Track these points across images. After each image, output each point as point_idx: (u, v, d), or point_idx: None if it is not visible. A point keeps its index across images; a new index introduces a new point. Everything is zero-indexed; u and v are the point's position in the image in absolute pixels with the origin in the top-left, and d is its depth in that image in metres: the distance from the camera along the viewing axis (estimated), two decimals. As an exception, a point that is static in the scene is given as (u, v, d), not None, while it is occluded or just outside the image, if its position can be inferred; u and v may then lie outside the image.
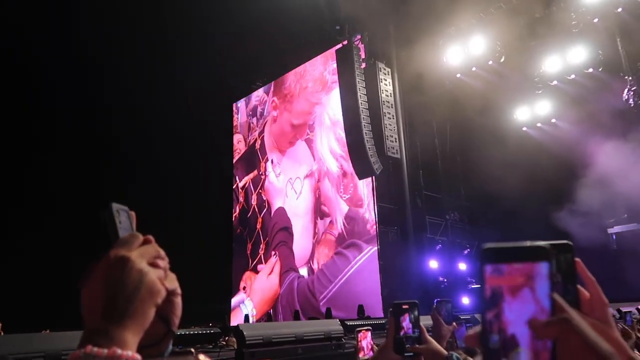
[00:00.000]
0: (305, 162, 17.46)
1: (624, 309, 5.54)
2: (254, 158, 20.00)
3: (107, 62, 15.49)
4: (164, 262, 0.74)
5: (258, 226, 19.45)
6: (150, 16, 14.60)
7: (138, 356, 0.64)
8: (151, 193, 15.41)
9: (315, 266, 15.70)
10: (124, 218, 0.77)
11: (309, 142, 17.21)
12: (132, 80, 15.43)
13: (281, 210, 18.52)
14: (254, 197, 19.62)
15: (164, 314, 0.74)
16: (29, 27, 13.84)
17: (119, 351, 0.62)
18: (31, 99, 14.82)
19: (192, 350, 2.22)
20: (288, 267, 17.04)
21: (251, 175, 19.99)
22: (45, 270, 13.16)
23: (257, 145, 20.11)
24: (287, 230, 17.86)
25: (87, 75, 15.37)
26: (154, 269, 0.72)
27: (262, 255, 18.48)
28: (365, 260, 13.85)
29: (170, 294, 0.74)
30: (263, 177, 19.26)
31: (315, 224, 16.22)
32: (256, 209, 19.55)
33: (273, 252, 17.81)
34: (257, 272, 18.28)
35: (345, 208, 15.03)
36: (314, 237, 16.16)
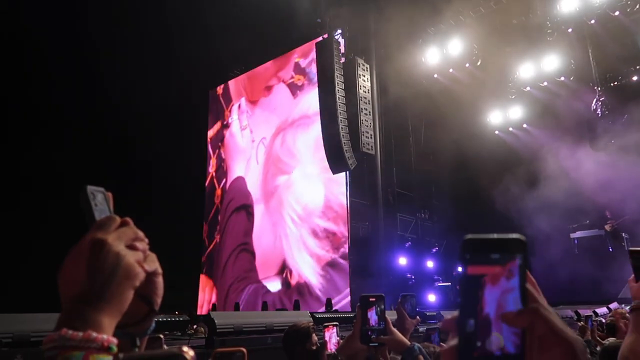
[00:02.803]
0: (283, 115, 15.38)
1: (583, 313, 5.78)
2: (217, 106, 17.63)
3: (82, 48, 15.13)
4: (142, 244, 0.73)
5: (216, 201, 17.30)
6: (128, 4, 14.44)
7: (113, 339, 0.64)
8: (120, 174, 15.12)
9: (294, 279, 14.17)
10: (100, 200, 0.75)
11: (294, 89, 15.20)
12: (105, 65, 15.08)
13: (240, 180, 16.38)
14: (213, 159, 17.45)
15: (146, 294, 0.74)
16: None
17: (94, 334, 0.62)
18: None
19: (161, 336, 2.19)
20: (243, 275, 15.11)
21: (214, 129, 17.70)
22: (17, 252, 12.88)
23: (220, 90, 17.96)
24: (247, 210, 15.70)
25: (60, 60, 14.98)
26: (131, 252, 0.71)
27: (217, 248, 16.42)
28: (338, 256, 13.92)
29: (151, 274, 0.74)
30: (225, 129, 16.93)
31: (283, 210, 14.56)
32: (214, 177, 17.35)
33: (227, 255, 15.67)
34: (211, 277, 16.19)
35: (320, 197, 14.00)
36: (285, 233, 14.68)
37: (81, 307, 0.65)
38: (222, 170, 17.43)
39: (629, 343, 1.41)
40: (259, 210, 15.80)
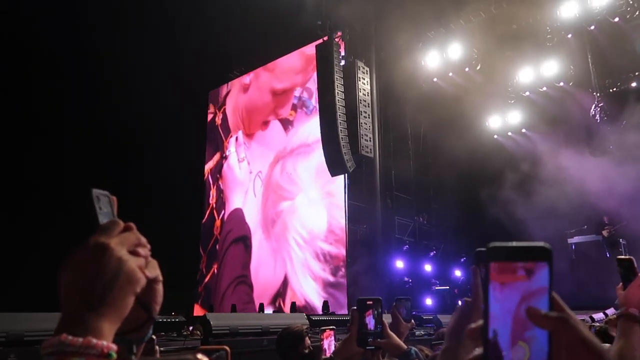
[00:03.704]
0: (280, 146, 15.71)
1: (580, 318, 5.78)
2: (215, 137, 17.83)
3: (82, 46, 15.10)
4: (144, 250, 0.73)
5: (215, 232, 17.53)
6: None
7: (113, 346, 0.64)
8: (120, 178, 15.11)
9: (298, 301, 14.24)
10: (104, 204, 0.75)
11: (286, 124, 15.62)
12: (106, 65, 15.06)
13: (238, 212, 16.55)
14: (213, 190, 17.76)
15: (145, 301, 0.73)
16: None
17: (94, 340, 0.62)
18: None
19: (154, 337, 2.18)
20: (241, 307, 15.02)
21: (214, 160, 18.04)
22: (14, 252, 12.85)
23: (218, 121, 18.15)
24: (244, 242, 15.86)
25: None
26: (134, 257, 0.70)
27: (215, 279, 16.41)
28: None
29: (152, 281, 0.73)
30: (224, 160, 17.18)
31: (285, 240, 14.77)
32: (214, 208, 17.61)
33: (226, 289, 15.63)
34: (205, 308, 15.80)
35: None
36: (290, 257, 14.78)
37: (81, 312, 0.64)
38: (221, 201, 17.71)
39: (617, 349, 1.42)
40: (256, 242, 16.02)
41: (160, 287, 0.76)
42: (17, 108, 14.61)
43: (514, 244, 0.57)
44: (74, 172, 13.53)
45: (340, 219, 13.97)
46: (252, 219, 16.27)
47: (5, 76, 14.03)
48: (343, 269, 13.66)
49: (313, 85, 14.98)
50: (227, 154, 17.64)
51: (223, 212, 17.44)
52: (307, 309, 13.67)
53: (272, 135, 16.48)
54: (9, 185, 13.94)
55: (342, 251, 13.78)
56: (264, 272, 15.51)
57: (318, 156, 13.90)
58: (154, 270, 0.74)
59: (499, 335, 0.55)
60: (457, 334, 1.12)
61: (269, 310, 14.56)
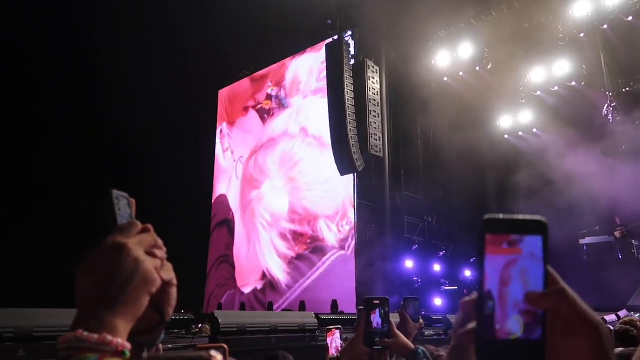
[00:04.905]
0: (256, 138, 16.86)
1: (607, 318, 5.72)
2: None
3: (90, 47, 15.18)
4: (161, 252, 0.74)
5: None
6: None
7: (127, 344, 0.64)
8: (126, 175, 15.19)
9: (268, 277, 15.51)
10: (123, 205, 0.76)
11: (262, 114, 16.68)
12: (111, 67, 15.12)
13: (222, 198, 17.73)
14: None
15: (158, 304, 0.74)
16: None
17: (109, 337, 0.63)
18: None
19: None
20: (223, 282, 16.60)
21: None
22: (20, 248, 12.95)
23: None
24: (227, 225, 17.08)
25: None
26: (150, 258, 0.71)
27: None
28: (340, 258, 13.92)
29: (166, 284, 0.74)
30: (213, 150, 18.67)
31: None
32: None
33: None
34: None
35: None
36: (258, 239, 15.89)
37: (97, 309, 0.65)
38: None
39: None
40: (238, 224, 17.27)
41: (174, 291, 0.77)
42: (19, 110, 14.67)
43: (510, 216, 0.56)
44: (78, 171, 13.66)
45: (303, 200, 15.13)
46: (235, 202, 17.52)
47: (11, 81, 14.13)
48: (352, 267, 13.65)
49: (290, 84, 16.52)
50: (215, 145, 18.89)
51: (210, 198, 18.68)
52: (273, 283, 15.19)
53: (252, 123, 17.73)
54: (18, 184, 14.05)
55: (306, 229, 14.81)
56: (243, 251, 16.76)
57: (282, 148, 16.05)
58: (169, 273, 0.75)
59: (493, 309, 0.54)
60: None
61: (251, 286, 15.86)
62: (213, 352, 0.68)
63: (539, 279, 0.55)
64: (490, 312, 0.54)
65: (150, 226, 0.75)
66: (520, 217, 0.56)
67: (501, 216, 0.56)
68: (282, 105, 16.83)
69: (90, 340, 0.62)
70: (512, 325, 0.54)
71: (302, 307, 13.07)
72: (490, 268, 0.55)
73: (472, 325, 0.56)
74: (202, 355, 0.66)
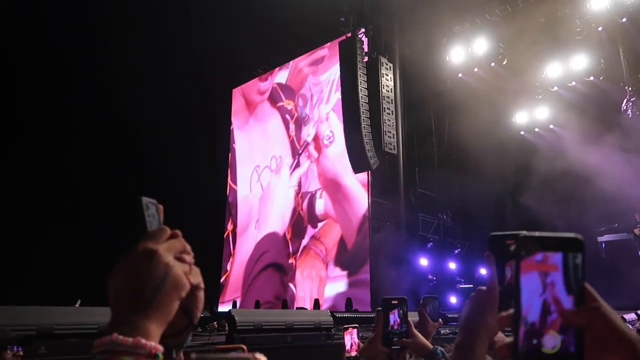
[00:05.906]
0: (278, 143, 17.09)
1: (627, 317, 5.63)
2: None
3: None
4: (189, 257, 0.77)
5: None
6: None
7: (160, 347, 0.66)
8: (141, 175, 15.32)
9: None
10: (152, 211, 0.78)
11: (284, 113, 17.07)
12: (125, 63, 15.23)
13: (240, 199, 18.07)
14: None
15: (187, 307, 0.76)
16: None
17: (143, 341, 0.65)
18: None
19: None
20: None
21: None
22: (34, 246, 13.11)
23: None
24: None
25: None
26: (180, 263, 0.74)
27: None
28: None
29: (194, 288, 0.76)
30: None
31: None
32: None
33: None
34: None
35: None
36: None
37: (130, 314, 0.68)
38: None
39: None
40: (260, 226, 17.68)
41: (201, 294, 0.78)
42: (29, 110, 14.83)
43: (545, 234, 0.58)
44: (92, 171, 13.80)
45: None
46: (255, 206, 17.77)
47: (19, 78, 14.28)
48: (366, 266, 13.65)
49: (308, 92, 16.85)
50: (233, 145, 19.06)
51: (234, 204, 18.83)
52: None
53: (272, 126, 17.89)
54: (28, 182, 14.19)
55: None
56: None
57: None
58: (197, 277, 0.77)
59: (530, 324, 0.55)
60: (472, 327, 1.04)
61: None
62: (258, 354, 0.69)
63: (575, 295, 0.56)
64: (527, 327, 0.55)
65: (178, 232, 0.78)
66: (557, 234, 0.57)
67: (537, 234, 0.58)
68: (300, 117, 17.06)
69: (125, 343, 0.64)
70: (549, 341, 0.55)
71: (317, 305, 13.08)
72: (526, 283, 0.56)
73: (509, 339, 0.56)
74: (248, 357, 0.67)
